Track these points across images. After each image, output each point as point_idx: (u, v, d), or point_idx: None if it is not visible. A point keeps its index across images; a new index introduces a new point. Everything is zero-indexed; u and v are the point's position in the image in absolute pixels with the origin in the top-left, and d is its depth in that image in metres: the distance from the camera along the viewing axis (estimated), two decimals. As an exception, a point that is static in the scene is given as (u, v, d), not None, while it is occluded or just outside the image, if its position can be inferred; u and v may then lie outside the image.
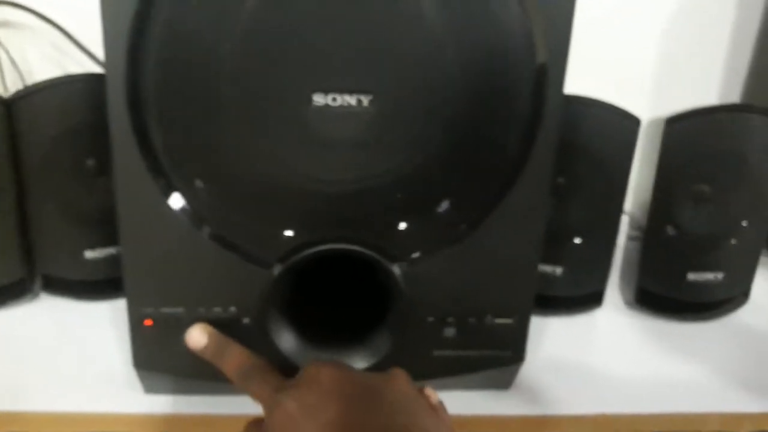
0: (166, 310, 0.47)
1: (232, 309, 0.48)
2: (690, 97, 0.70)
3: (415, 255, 0.47)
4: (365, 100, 0.42)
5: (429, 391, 0.43)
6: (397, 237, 0.47)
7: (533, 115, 0.44)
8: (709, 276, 0.67)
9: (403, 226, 0.47)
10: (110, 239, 0.64)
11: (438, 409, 0.43)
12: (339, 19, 0.41)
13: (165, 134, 0.43)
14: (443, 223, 0.47)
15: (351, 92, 0.42)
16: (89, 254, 0.63)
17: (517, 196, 0.46)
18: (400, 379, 0.41)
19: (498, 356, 0.52)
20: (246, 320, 0.48)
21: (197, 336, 0.46)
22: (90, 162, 0.61)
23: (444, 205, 0.47)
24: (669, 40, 0.86)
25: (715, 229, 0.66)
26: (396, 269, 0.47)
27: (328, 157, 0.44)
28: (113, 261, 0.64)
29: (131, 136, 0.43)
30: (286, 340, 0.49)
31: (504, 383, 0.56)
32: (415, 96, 0.43)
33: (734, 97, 0.90)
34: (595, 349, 0.64)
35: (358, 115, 0.43)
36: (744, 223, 0.67)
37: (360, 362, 0.49)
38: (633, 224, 0.73)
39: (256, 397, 0.41)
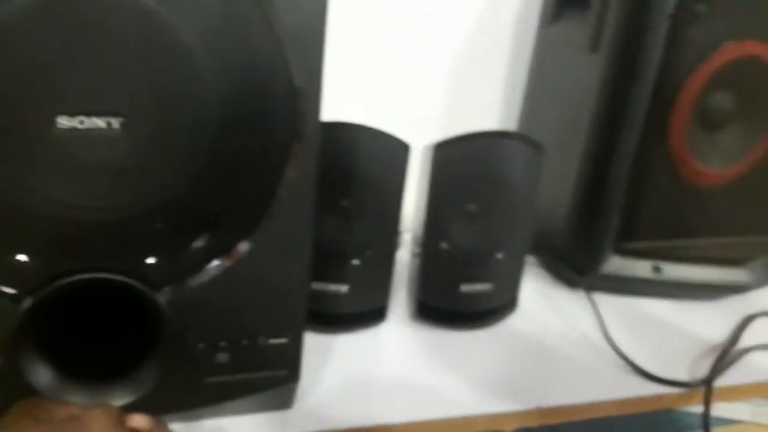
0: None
1: (-25, 351, 0.44)
2: (473, 125, 0.76)
3: (174, 285, 0.47)
4: (116, 123, 0.41)
5: (136, 419, 0.43)
6: (154, 267, 0.46)
7: (291, 139, 0.46)
8: (479, 287, 0.73)
9: (151, 260, 0.46)
10: None
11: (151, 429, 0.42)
12: (86, 40, 0.40)
13: None
14: (198, 259, 0.47)
15: (99, 114, 0.41)
16: None
17: (280, 219, 0.47)
18: (96, 422, 0.40)
19: (274, 376, 0.52)
20: (-3, 360, 0.44)
21: None
22: None
23: (199, 241, 0.47)
24: (452, 73, 0.93)
25: (482, 243, 0.72)
26: (160, 297, 0.46)
27: (79, 182, 0.42)
28: None
29: None
30: (43, 377, 0.46)
31: (284, 403, 0.56)
32: (171, 120, 0.43)
33: (512, 124, 1.00)
34: (380, 363, 0.67)
35: (109, 138, 0.42)
36: (506, 238, 0.73)
37: (123, 397, 0.47)
38: (416, 242, 0.78)
39: None
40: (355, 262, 0.67)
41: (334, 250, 0.67)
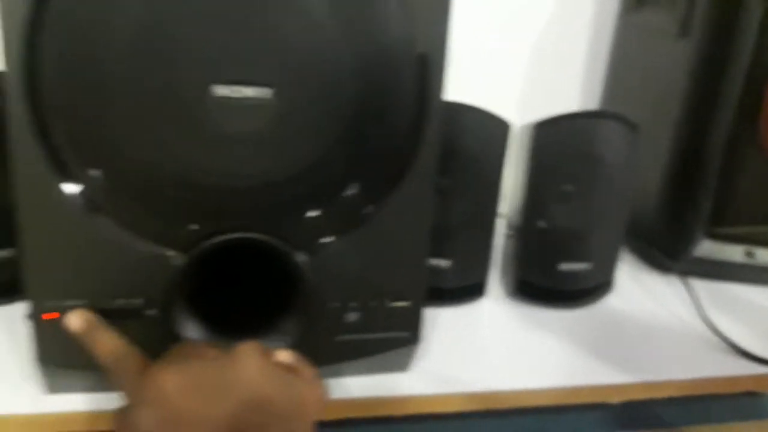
0: (69, 302, 0.46)
1: (137, 301, 0.48)
2: (554, 106, 0.78)
3: (320, 242, 0.50)
4: (267, 93, 0.45)
5: (282, 354, 0.45)
6: (302, 225, 0.49)
7: (419, 105, 0.49)
8: (577, 266, 0.74)
9: (312, 214, 0.50)
10: (1, 241, 0.61)
11: (297, 369, 0.45)
12: (238, 12, 0.43)
13: (62, 124, 0.44)
14: (350, 208, 0.50)
15: (252, 84, 0.44)
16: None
17: (409, 184, 0.50)
18: (244, 355, 0.42)
19: (397, 338, 0.55)
20: (151, 312, 0.48)
21: (73, 319, 0.46)
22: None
23: (351, 189, 0.50)
24: (534, 54, 0.95)
25: (580, 223, 0.73)
26: (300, 257, 0.50)
27: (231, 150, 0.46)
28: (4, 265, 0.62)
29: (28, 125, 0.43)
30: (193, 331, 0.50)
31: (402, 365, 0.59)
32: (313, 89, 0.46)
33: (593, 104, 1.01)
34: (483, 335, 0.69)
35: (259, 107, 0.45)
36: (603, 219, 0.75)
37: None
38: (508, 224, 0.80)
39: (123, 393, 0.42)
40: (456, 237, 0.69)
41: (436, 225, 0.69)
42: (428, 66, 0.48)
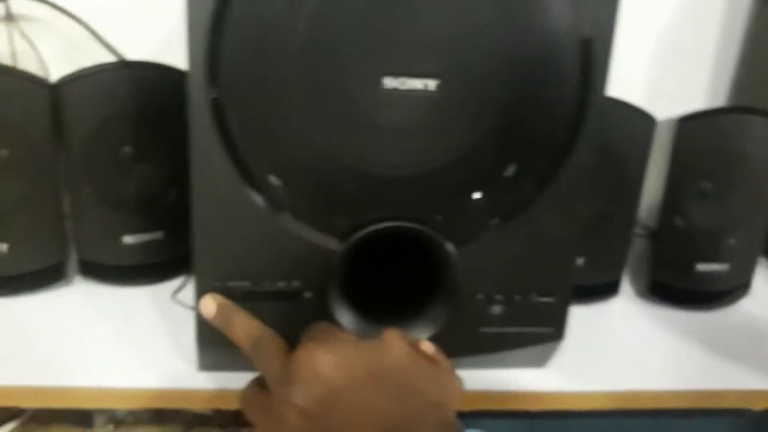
0: (232, 283, 0.49)
1: (296, 283, 0.49)
2: (680, 101, 0.75)
3: (472, 232, 0.50)
4: (432, 84, 0.45)
5: (425, 345, 0.46)
6: (455, 215, 0.49)
7: (581, 91, 0.47)
8: (715, 267, 0.71)
9: (445, 212, 0.50)
10: (148, 225, 0.65)
11: (438, 360, 0.45)
12: (407, 4, 0.44)
13: (241, 122, 0.45)
14: (508, 189, 0.49)
15: (419, 76, 0.45)
16: (127, 239, 0.64)
17: (566, 175, 0.49)
18: (393, 342, 0.42)
19: (540, 333, 0.55)
20: (308, 294, 0.50)
21: (207, 305, 0.48)
22: (127, 149, 0.63)
23: (509, 170, 0.49)
24: (660, 47, 0.91)
25: (719, 222, 0.70)
26: (450, 247, 0.50)
27: (393, 140, 0.47)
28: (151, 246, 0.65)
29: (211, 124, 0.45)
30: (345, 314, 0.51)
31: (541, 361, 0.58)
32: (474, 78, 0.46)
33: (720, 99, 0.96)
34: (617, 334, 0.67)
35: (422, 99, 0.46)
36: (743, 219, 0.71)
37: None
38: (639, 222, 0.77)
39: (264, 373, 0.43)
40: (592, 234, 0.68)
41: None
42: (593, 51, 0.47)
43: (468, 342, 0.54)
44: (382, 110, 0.45)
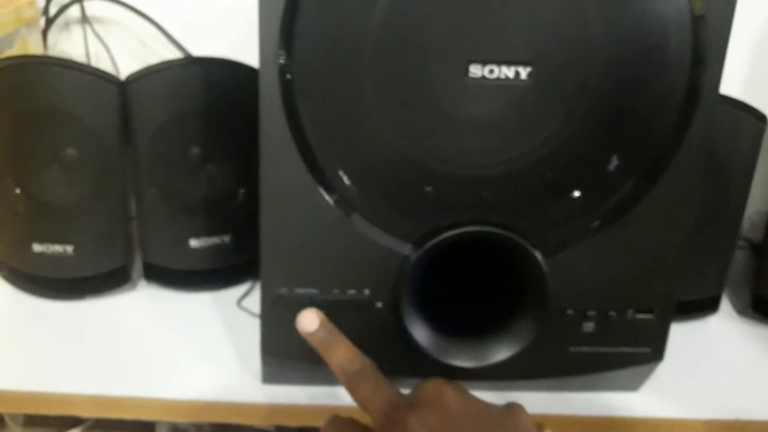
0: (300, 290, 0.45)
1: (366, 292, 0.46)
2: None
3: (564, 239, 0.45)
4: (523, 73, 0.41)
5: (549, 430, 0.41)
6: (545, 219, 0.45)
7: (692, 75, 0.42)
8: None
9: (533, 216, 0.45)
10: (215, 229, 0.62)
11: None
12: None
13: (312, 116, 0.42)
14: (610, 186, 0.44)
15: (510, 63, 0.40)
16: (193, 243, 0.62)
17: (672, 177, 0.44)
18: (522, 415, 0.38)
19: (637, 354, 0.49)
20: (379, 304, 0.46)
21: (309, 319, 0.44)
22: (195, 150, 0.60)
23: (612, 163, 0.44)
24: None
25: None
26: (539, 256, 0.45)
27: (477, 137, 0.42)
28: (217, 251, 0.63)
29: (282, 118, 0.41)
30: (419, 327, 0.47)
31: (634, 384, 0.53)
32: (569, 68, 0.41)
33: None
34: (717, 355, 0.61)
35: (512, 89, 0.41)
36: None
37: (501, 352, 0.46)
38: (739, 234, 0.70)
39: (365, 403, 0.38)
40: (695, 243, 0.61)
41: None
42: (706, 30, 0.41)
43: (556, 362, 0.49)
44: (467, 102, 0.41)
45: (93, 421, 0.64)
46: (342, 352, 0.41)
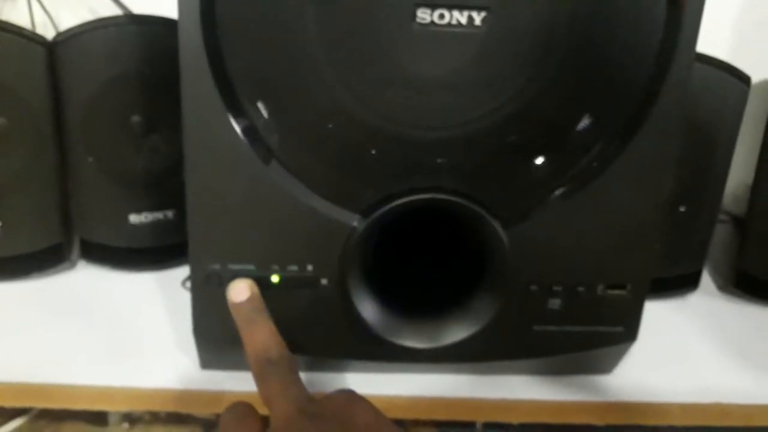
0: (234, 266, 0.41)
1: (310, 267, 0.41)
2: None
3: (526, 206, 0.41)
4: (477, 18, 0.36)
5: None
6: (508, 185, 0.40)
7: (669, 23, 0.37)
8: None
9: (492, 183, 0.41)
10: (157, 204, 0.58)
11: None
12: None
13: (238, 61, 0.37)
14: (543, 184, 0.40)
15: (462, 8, 0.36)
16: (134, 219, 0.57)
17: (650, 128, 0.39)
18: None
19: (608, 333, 0.45)
20: (324, 281, 0.42)
21: (240, 289, 0.40)
22: (135, 118, 0.55)
23: (546, 163, 0.40)
24: None
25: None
26: (499, 226, 0.41)
27: (429, 92, 0.38)
28: (160, 227, 0.58)
29: (203, 55, 0.37)
30: (369, 306, 0.42)
31: (607, 367, 0.49)
32: (533, 8, 0.36)
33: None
34: (696, 335, 0.57)
35: (466, 37, 0.36)
36: None
37: (455, 333, 0.42)
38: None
39: (270, 399, 0.34)
40: (678, 212, 0.57)
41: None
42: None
43: (519, 342, 0.45)
44: (416, 53, 0.37)
45: (39, 410, 0.59)
46: (262, 336, 0.37)
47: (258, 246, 0.40)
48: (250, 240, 0.40)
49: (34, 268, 0.57)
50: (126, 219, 0.57)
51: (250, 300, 0.39)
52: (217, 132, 0.38)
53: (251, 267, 0.41)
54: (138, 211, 0.57)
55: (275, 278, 0.41)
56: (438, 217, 0.41)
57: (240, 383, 0.43)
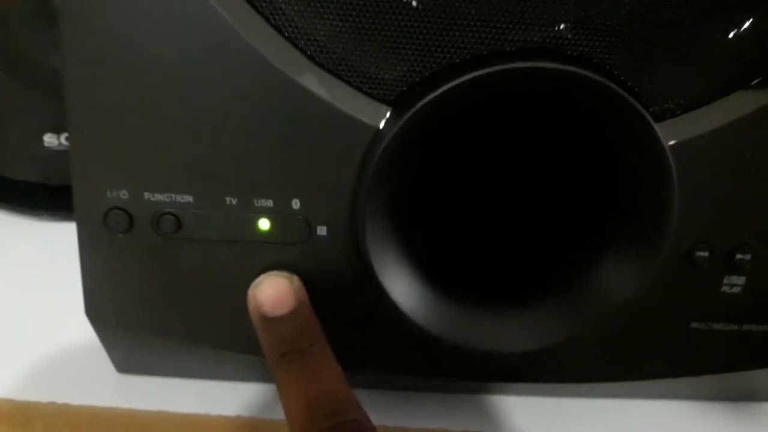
0: (158, 197, 0.22)
1: (295, 204, 0.22)
2: None
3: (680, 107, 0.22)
4: None
5: None
6: (675, 66, 0.21)
7: None
8: None
9: (620, 45, 0.22)
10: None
11: None
12: None
13: None
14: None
15: None
16: (51, 140, 0.39)
17: None
18: None
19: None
20: (322, 230, 0.23)
21: (281, 293, 0.23)
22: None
23: None
24: None
25: None
26: (662, 132, 0.21)
27: None
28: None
29: None
30: (397, 278, 0.23)
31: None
32: None
33: None
34: None
35: None
36: None
37: (557, 330, 0.23)
38: None
39: (288, 398, 0.21)
40: None
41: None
42: None
43: (667, 351, 0.26)
44: None
45: None
46: (328, 383, 0.22)
47: (201, 161, 0.21)
48: (185, 147, 0.21)
49: None
50: (40, 141, 0.39)
51: (296, 314, 0.22)
52: None
53: (188, 198, 0.22)
54: (58, 130, 0.39)
55: (234, 224, 0.23)
56: (532, 124, 0.22)
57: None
